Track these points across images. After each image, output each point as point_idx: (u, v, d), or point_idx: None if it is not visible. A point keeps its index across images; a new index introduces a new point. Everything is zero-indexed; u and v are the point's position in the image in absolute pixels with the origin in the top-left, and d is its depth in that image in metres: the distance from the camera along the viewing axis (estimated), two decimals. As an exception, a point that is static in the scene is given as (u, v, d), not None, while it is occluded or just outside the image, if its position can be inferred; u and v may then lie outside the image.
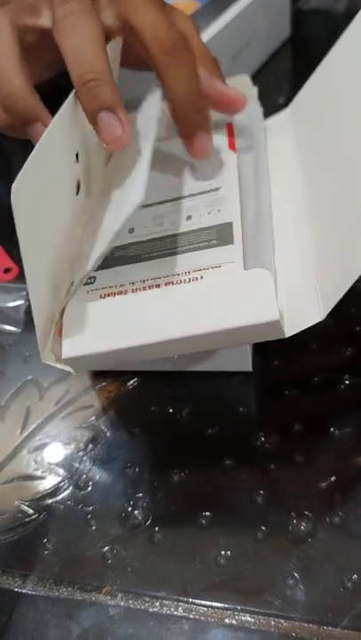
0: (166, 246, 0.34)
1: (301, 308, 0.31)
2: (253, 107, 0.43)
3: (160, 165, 0.39)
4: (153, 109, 0.36)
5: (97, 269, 0.34)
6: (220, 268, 0.32)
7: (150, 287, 0.32)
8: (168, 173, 0.39)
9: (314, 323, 0.30)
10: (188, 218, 0.36)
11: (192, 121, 0.35)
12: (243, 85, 0.43)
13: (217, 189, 0.37)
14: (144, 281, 0.32)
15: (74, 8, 0.33)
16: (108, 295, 0.32)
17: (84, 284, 0.33)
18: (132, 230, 0.36)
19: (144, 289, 0.32)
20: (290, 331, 0.30)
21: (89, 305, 0.32)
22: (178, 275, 0.32)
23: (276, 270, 0.33)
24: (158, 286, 0.32)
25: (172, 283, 0.32)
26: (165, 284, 0.32)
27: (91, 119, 0.33)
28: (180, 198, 0.37)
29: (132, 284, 0.32)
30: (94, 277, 0.34)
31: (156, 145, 0.35)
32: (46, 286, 0.32)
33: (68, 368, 0.32)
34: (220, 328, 0.29)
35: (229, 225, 0.34)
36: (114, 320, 0.31)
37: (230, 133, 0.41)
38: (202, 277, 0.31)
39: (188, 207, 0.36)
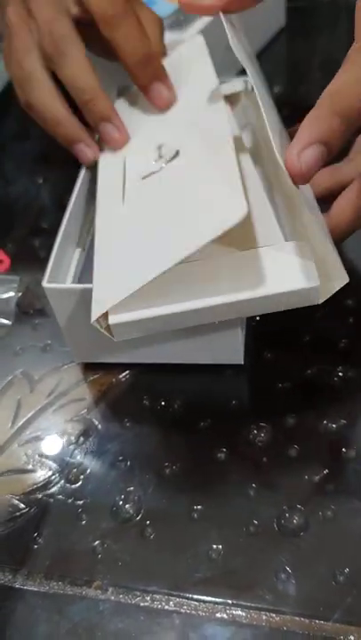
0: None
1: (326, 274, 0.31)
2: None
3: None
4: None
5: None
6: (261, 240, 0.33)
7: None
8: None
9: (341, 286, 0.31)
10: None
11: (144, 74, 0.41)
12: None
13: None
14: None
15: (56, 36, 0.41)
16: None
17: None
18: None
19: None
20: (322, 297, 0.31)
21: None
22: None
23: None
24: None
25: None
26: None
27: (95, 129, 0.42)
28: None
29: None
30: None
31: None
32: None
33: (109, 334, 0.32)
34: (264, 294, 0.30)
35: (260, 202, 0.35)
36: (161, 286, 0.31)
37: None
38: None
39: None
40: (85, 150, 0.42)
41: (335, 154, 0.30)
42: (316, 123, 0.30)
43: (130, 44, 0.40)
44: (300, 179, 0.30)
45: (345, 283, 0.31)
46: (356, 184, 0.34)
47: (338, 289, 0.31)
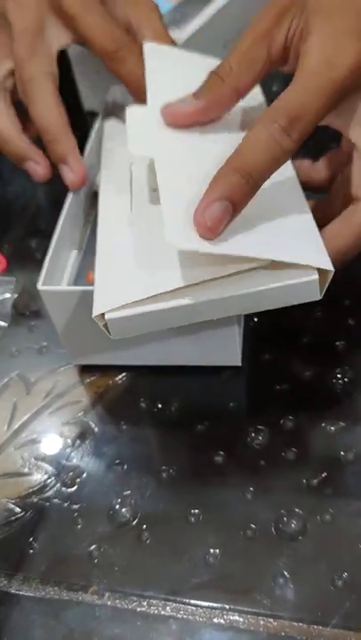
0: None
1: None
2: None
3: None
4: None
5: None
6: None
7: None
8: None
9: (331, 277, 0.30)
10: None
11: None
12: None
13: None
14: None
15: (24, 78, 0.41)
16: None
17: None
18: None
19: None
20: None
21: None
22: None
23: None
24: None
25: None
26: None
27: (58, 168, 0.42)
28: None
29: None
30: None
31: None
32: None
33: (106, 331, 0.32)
34: (261, 288, 0.30)
35: None
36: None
37: None
38: None
39: None
40: (35, 167, 0.42)
41: (242, 209, 0.31)
42: (218, 181, 0.31)
43: (134, 77, 0.41)
44: (209, 234, 0.30)
45: (332, 272, 0.30)
46: (339, 218, 0.34)
47: (330, 279, 0.31)
